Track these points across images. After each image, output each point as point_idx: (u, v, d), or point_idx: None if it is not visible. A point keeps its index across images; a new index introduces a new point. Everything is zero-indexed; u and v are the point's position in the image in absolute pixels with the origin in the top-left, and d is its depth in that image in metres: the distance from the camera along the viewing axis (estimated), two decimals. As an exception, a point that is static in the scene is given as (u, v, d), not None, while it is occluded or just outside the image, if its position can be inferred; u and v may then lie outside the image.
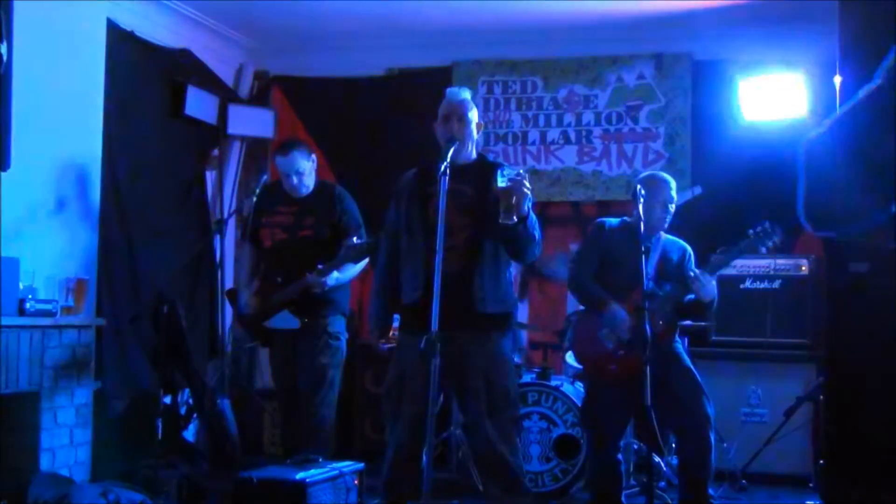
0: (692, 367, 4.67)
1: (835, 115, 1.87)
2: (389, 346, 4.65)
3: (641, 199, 4.37)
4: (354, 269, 5.20)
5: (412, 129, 6.79)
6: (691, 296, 4.54)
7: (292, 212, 5.25)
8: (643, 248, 4.24)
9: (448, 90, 4.14)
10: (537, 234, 3.90)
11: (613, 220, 4.83)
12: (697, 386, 4.58)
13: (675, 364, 4.61)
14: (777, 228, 4.42)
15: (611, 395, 4.62)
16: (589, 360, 4.78)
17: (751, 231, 4.46)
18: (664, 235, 4.77)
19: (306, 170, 5.23)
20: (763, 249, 4.47)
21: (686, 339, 5.76)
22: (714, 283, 4.51)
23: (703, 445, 4.50)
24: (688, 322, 5.36)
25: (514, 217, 3.71)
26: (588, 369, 4.85)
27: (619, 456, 4.79)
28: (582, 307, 5.01)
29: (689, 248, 4.79)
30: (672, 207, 4.69)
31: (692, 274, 4.47)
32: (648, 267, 4.54)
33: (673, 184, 4.72)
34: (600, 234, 4.77)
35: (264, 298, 5.24)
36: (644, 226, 4.36)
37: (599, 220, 4.89)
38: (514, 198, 3.69)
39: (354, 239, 4.90)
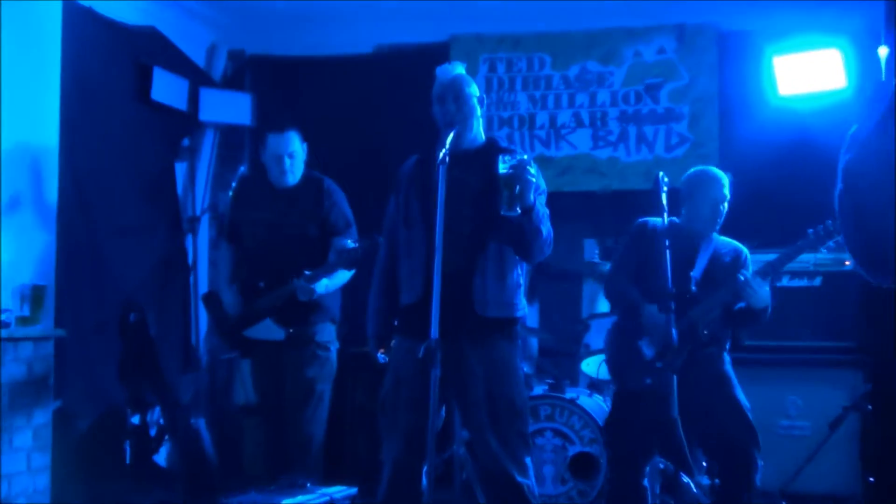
0: (738, 386, 4.67)
1: (867, 121, 1.84)
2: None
3: (664, 190, 4.38)
4: (346, 275, 5.20)
5: (407, 115, 6.80)
6: (742, 303, 4.55)
7: (276, 208, 5.24)
8: (666, 244, 4.25)
9: (437, 69, 4.14)
10: (545, 228, 3.89)
11: (658, 220, 4.82)
12: (742, 411, 4.59)
13: (722, 382, 4.61)
14: (839, 226, 4.41)
15: (641, 410, 4.61)
16: (622, 371, 4.78)
17: (811, 231, 4.47)
18: (716, 237, 4.78)
19: (298, 154, 5.23)
20: (824, 251, 4.48)
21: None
22: (767, 288, 4.51)
23: (748, 463, 4.51)
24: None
25: (518, 208, 3.71)
26: (619, 380, 4.85)
27: (646, 481, 4.78)
28: (615, 314, 5.03)
29: (745, 250, 4.79)
30: (724, 207, 4.68)
31: (741, 278, 4.47)
32: (696, 271, 4.55)
33: (726, 181, 4.72)
34: (642, 234, 4.75)
35: (245, 305, 5.23)
36: (690, 227, 4.38)
37: (642, 219, 4.86)
38: (517, 186, 3.69)
39: (349, 242, 4.90)
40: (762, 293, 4.49)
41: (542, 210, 3.90)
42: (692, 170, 4.93)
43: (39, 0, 5.56)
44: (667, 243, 4.28)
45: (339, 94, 7.37)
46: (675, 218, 4.74)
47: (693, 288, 4.54)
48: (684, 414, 4.44)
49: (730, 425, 4.54)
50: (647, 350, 4.59)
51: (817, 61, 6.18)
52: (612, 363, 4.91)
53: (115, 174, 6.34)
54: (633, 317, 4.63)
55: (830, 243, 4.45)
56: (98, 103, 6.19)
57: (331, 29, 7.26)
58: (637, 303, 4.61)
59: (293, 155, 5.21)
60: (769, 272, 4.54)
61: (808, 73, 6.23)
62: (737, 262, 4.73)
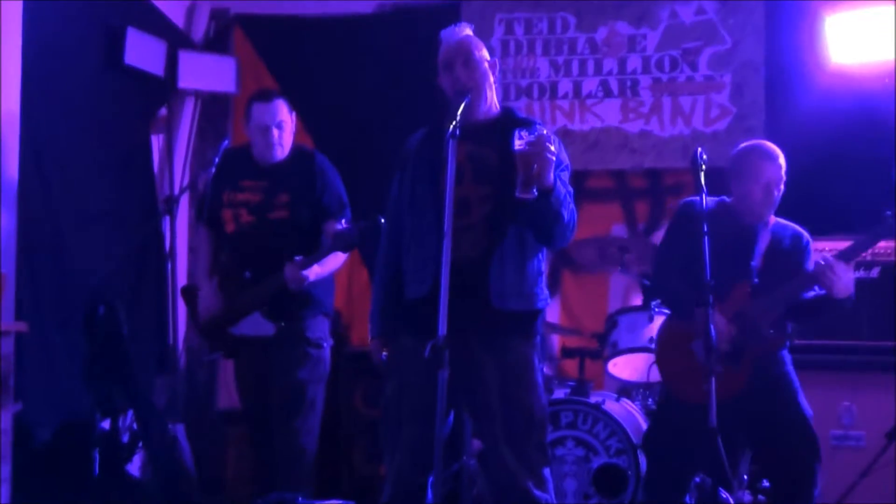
0: (801, 390, 4.66)
1: None
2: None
3: (703, 168, 4.36)
4: (338, 260, 5.20)
5: (412, 83, 6.80)
6: (810, 293, 4.52)
7: (261, 187, 5.24)
8: (704, 230, 4.23)
9: (442, 32, 4.13)
10: (566, 211, 3.87)
11: (707, 200, 4.79)
12: (804, 419, 4.58)
13: (782, 386, 4.60)
14: None
15: (695, 421, 4.57)
16: (675, 376, 4.76)
17: (889, 213, 4.43)
18: (773, 220, 4.75)
19: (287, 125, 5.23)
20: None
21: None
22: (851, 274, 4.46)
23: (808, 480, 4.50)
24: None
25: (535, 190, 3.69)
26: (672, 387, 4.83)
27: (687, 498, 4.77)
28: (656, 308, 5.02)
29: (805, 234, 4.77)
30: (780, 189, 4.66)
31: (822, 262, 4.42)
32: (755, 260, 4.53)
33: (781, 158, 4.69)
34: (689, 217, 4.71)
35: (228, 298, 5.23)
36: (741, 210, 4.37)
37: (688, 199, 4.83)
38: (534, 164, 3.67)
39: (343, 222, 4.89)
40: (847, 279, 4.42)
41: (565, 190, 3.89)
42: (742, 145, 4.91)
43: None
44: (705, 229, 4.25)
45: (335, 58, 7.37)
46: (725, 198, 4.71)
47: (755, 279, 4.51)
48: (738, 422, 4.44)
49: (789, 435, 4.52)
50: (700, 354, 4.55)
51: (876, 23, 6.15)
52: (661, 365, 4.89)
53: (82, 148, 6.33)
54: (686, 316, 4.59)
55: None
56: (63, 69, 6.17)
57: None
58: (690, 301, 4.57)
59: (281, 126, 5.20)
60: (852, 256, 4.49)
61: (866, 39, 6.21)
62: (797, 248, 4.70)
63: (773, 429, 4.49)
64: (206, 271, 5.44)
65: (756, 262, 4.58)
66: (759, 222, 4.69)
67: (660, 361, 4.94)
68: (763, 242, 4.67)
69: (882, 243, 6.05)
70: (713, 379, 4.06)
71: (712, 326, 4.14)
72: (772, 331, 4.47)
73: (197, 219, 5.75)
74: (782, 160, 4.69)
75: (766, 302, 4.47)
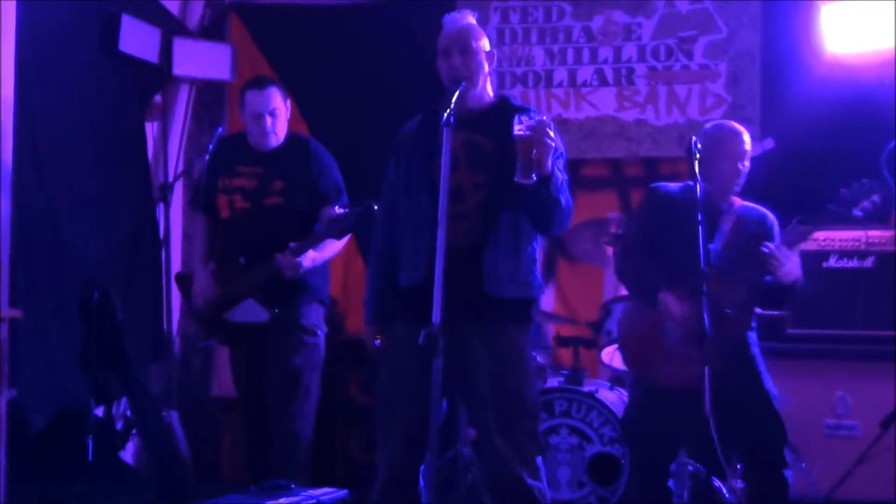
0: (766, 372, 4.65)
1: None
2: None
3: (697, 157, 4.37)
4: (335, 247, 5.21)
5: (407, 69, 6.79)
6: (770, 277, 4.52)
7: (257, 173, 5.24)
8: (699, 219, 4.24)
9: (445, 17, 4.13)
10: (564, 198, 3.89)
11: (673, 185, 4.81)
12: (769, 401, 4.56)
13: (746, 367, 4.59)
14: (878, 186, 4.37)
15: (666, 404, 4.61)
16: (641, 361, 4.77)
17: (844, 190, 4.41)
18: (739, 202, 4.75)
19: (281, 112, 5.22)
20: (859, 214, 4.41)
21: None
22: (796, 259, 4.47)
23: (776, 463, 4.50)
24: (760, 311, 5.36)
25: (534, 175, 3.70)
26: (640, 372, 4.84)
27: (671, 483, 4.79)
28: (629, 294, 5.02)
29: (771, 217, 4.75)
30: (745, 165, 4.67)
31: (766, 249, 4.42)
32: (716, 242, 4.53)
33: (746, 136, 4.70)
34: (654, 202, 4.75)
35: (223, 285, 5.23)
36: (709, 191, 4.36)
37: (654, 184, 4.86)
38: (534, 150, 3.68)
39: (336, 208, 4.89)
40: (791, 265, 4.44)
41: (562, 177, 3.90)
42: (707, 125, 4.92)
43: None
44: (700, 217, 4.26)
45: (331, 46, 7.36)
46: (691, 181, 4.72)
47: (713, 262, 4.50)
48: (714, 408, 4.45)
49: (754, 416, 4.50)
50: (671, 338, 4.56)
51: (873, 15, 6.15)
52: (629, 352, 4.89)
53: (77, 135, 6.33)
54: (651, 301, 4.61)
55: (867, 204, 4.38)
56: (58, 56, 6.16)
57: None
58: (654, 285, 4.58)
59: (274, 113, 5.20)
60: (797, 240, 4.48)
61: (863, 30, 6.21)
62: (762, 229, 4.69)
63: (736, 409, 4.45)
64: (201, 258, 5.44)
65: (716, 245, 4.57)
66: (724, 203, 4.66)
67: (624, 347, 4.93)
68: (727, 225, 4.66)
69: (876, 232, 6.08)
70: (707, 369, 4.07)
71: (706, 315, 4.15)
72: (729, 311, 4.44)
73: (192, 205, 5.74)
74: (747, 136, 4.69)
75: (727, 285, 4.45)
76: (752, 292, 4.59)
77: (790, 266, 4.43)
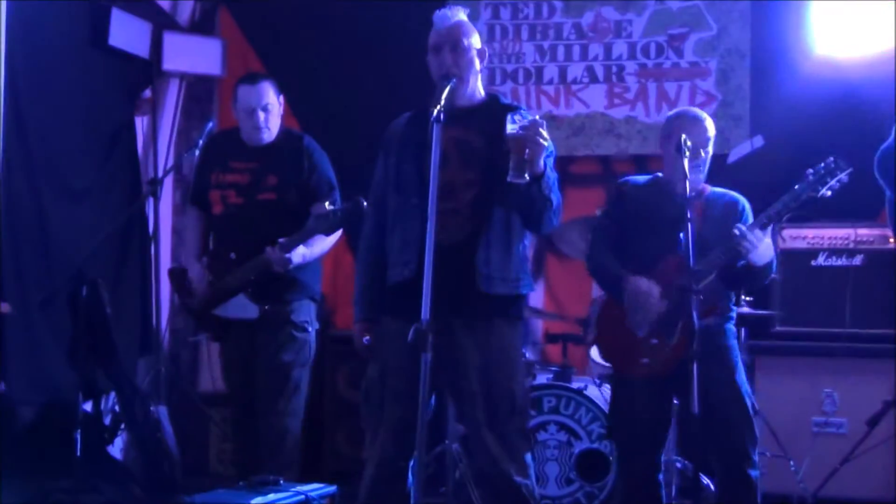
0: (740, 365, 4.63)
1: None
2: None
3: (687, 154, 4.36)
4: (326, 244, 5.20)
5: (399, 64, 6.79)
6: (742, 261, 4.48)
7: (249, 169, 5.22)
8: (688, 216, 4.23)
9: (435, 13, 4.12)
10: (555, 196, 3.91)
11: (640, 178, 4.81)
12: (740, 396, 4.54)
13: (720, 357, 4.56)
14: (843, 164, 4.35)
15: (644, 396, 4.60)
16: (616, 354, 4.76)
17: (810, 171, 4.38)
18: (709, 188, 4.74)
19: (274, 108, 5.22)
20: (828, 192, 4.36)
21: (743, 331, 5.76)
22: (768, 241, 4.44)
23: (741, 459, 4.48)
24: (745, 308, 5.36)
25: (527, 174, 3.71)
26: (615, 365, 4.84)
27: (660, 476, 4.78)
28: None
29: (742, 201, 4.69)
30: (708, 151, 4.62)
31: (737, 231, 4.38)
32: (681, 230, 4.47)
33: (709, 122, 4.65)
34: (622, 196, 4.74)
35: (215, 280, 5.22)
36: (675, 181, 4.36)
37: (622, 178, 4.87)
38: (527, 150, 3.69)
39: (326, 204, 4.89)
40: (763, 247, 4.41)
41: (554, 175, 3.91)
42: (670, 113, 4.90)
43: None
44: (689, 215, 4.24)
45: (323, 40, 7.35)
46: (659, 173, 4.71)
47: (681, 250, 4.47)
48: (675, 395, 4.45)
49: (723, 409, 4.47)
50: (637, 329, 4.55)
51: (862, 15, 6.16)
52: (604, 346, 4.88)
53: (66, 129, 6.32)
54: (617, 292, 4.60)
55: (834, 183, 4.36)
56: (48, 49, 6.15)
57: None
58: (618, 276, 4.56)
59: (267, 108, 5.19)
60: (768, 223, 4.45)
61: (852, 29, 6.21)
62: (732, 213, 4.66)
63: (705, 399, 4.40)
64: (194, 253, 5.43)
65: (686, 233, 4.53)
66: (691, 192, 4.60)
67: (600, 341, 4.92)
68: (695, 211, 4.62)
69: (865, 230, 6.09)
70: (695, 364, 4.06)
71: (694, 312, 4.14)
72: (701, 297, 4.39)
73: (183, 201, 5.74)
74: (709, 123, 4.65)
75: (696, 272, 4.40)
76: (721, 278, 4.55)
77: (763, 248, 4.40)
